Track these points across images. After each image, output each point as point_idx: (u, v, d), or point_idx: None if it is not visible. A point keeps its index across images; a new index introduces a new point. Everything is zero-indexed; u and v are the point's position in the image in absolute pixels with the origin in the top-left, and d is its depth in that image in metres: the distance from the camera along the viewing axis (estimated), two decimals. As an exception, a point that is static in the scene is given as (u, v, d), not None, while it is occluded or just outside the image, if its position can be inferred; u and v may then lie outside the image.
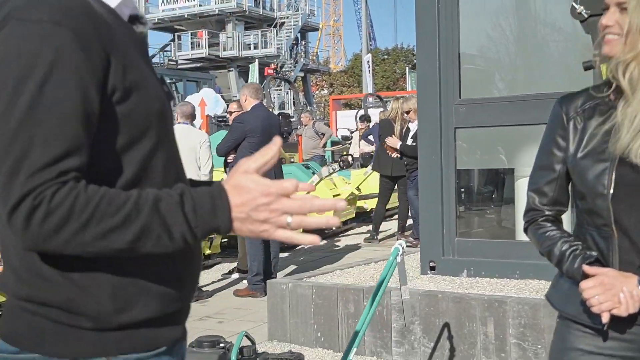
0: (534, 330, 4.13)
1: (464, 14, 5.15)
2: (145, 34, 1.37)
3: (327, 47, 64.42)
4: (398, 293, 4.68)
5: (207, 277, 7.71)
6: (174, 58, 41.67)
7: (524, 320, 4.16)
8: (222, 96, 41.49)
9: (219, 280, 7.56)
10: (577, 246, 1.76)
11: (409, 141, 8.09)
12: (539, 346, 4.10)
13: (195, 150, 6.51)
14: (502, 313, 4.27)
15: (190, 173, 6.38)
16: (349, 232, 10.48)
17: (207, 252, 8.39)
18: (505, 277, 4.93)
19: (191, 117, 6.75)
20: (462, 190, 5.41)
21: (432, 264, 5.28)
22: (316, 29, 45.98)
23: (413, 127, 7.82)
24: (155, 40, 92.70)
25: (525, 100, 4.93)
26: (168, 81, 27.63)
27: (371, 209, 10.56)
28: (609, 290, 1.64)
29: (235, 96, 37.11)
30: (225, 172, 7.49)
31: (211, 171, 6.66)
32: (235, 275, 7.45)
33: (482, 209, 5.69)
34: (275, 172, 6.13)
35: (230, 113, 7.34)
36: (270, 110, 15.08)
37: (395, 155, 8.40)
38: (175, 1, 40.90)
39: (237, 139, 6.49)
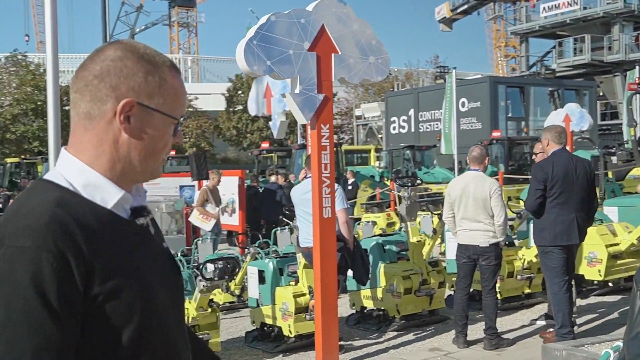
0: None
1: None
2: (146, 224, 1.47)
3: None
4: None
5: (514, 320, 7.57)
6: (550, 67, 40.67)
7: None
8: (609, 102, 39.10)
9: (523, 326, 7.35)
10: None
11: None
12: None
13: (486, 201, 6.29)
14: None
15: (482, 223, 6.29)
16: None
17: (527, 290, 8.18)
18: None
19: (483, 162, 6.45)
20: None
21: None
22: None
23: None
24: (537, 48, 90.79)
25: None
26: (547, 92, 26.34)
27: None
28: None
29: (622, 102, 34.44)
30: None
31: (505, 221, 6.37)
32: (542, 322, 7.14)
33: None
34: None
35: (536, 154, 6.99)
36: (633, 128, 13.89)
37: None
38: (557, 7, 39.76)
39: (540, 189, 6.08)
